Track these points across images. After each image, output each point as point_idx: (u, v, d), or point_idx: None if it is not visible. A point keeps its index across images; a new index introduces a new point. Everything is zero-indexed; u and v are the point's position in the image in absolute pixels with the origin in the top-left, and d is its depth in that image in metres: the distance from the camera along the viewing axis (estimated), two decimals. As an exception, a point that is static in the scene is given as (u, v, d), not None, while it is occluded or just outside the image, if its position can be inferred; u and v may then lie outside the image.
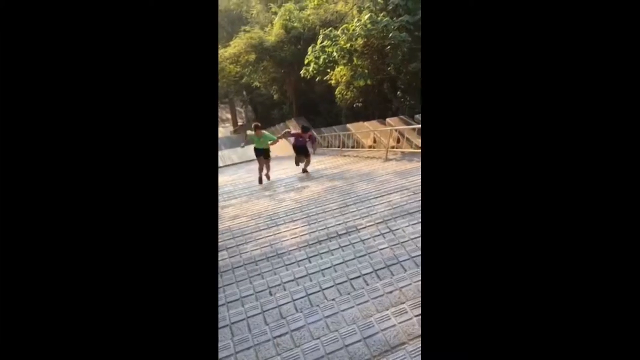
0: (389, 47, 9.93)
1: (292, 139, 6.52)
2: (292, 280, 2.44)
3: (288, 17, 14.98)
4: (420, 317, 1.76)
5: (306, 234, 3.28)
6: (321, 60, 11.00)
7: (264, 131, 6.07)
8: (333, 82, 11.66)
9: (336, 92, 11.86)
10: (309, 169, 6.78)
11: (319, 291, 2.22)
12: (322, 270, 2.53)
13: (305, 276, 2.48)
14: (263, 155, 6.22)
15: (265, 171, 6.46)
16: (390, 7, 10.28)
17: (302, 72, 11.86)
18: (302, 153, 6.55)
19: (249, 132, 6.14)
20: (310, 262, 2.72)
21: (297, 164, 6.87)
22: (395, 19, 9.96)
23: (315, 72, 11.32)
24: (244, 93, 20.32)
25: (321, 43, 10.99)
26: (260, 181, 6.39)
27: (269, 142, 6.07)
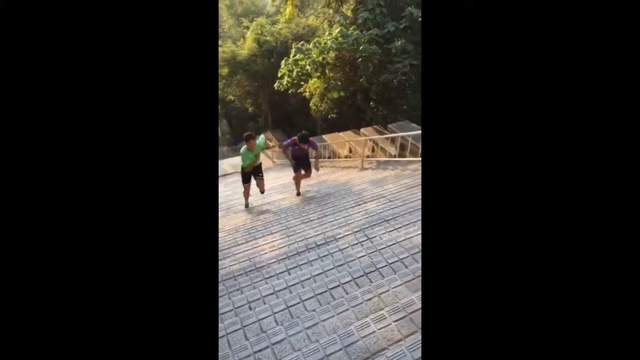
0: (359, 59, 10.18)
1: (290, 149, 5.03)
2: (272, 294, 2.42)
3: (260, 31, 15.11)
4: (398, 322, 1.79)
5: (284, 246, 3.27)
6: (294, 73, 11.13)
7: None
8: (307, 94, 11.80)
9: (310, 104, 11.99)
10: (301, 188, 5.47)
11: (298, 303, 2.22)
12: (302, 281, 2.53)
13: (285, 288, 2.47)
14: (255, 173, 4.96)
15: (253, 191, 5.23)
16: (360, 21, 10.60)
17: (275, 85, 11.94)
18: (297, 164, 5.10)
19: (243, 146, 4.71)
20: (289, 274, 2.71)
21: (298, 187, 5.33)
22: (364, 32, 10.27)
23: (288, 84, 11.42)
24: (218, 107, 20.17)
25: (293, 56, 11.13)
26: (247, 205, 5.15)
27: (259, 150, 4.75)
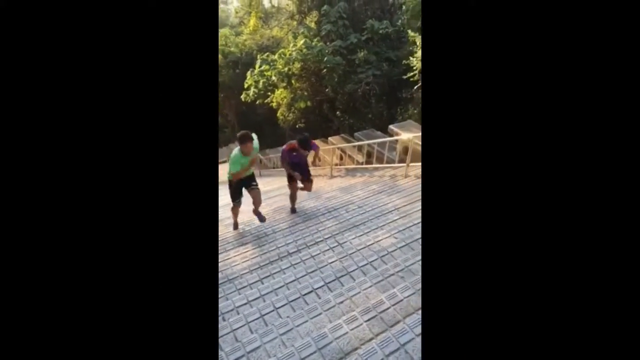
0: (324, 70, 10.42)
1: (287, 157, 4.06)
2: (245, 304, 2.43)
3: (224, 42, 15.04)
4: (369, 322, 1.87)
5: (257, 256, 3.28)
6: (260, 83, 11.18)
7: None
8: (274, 104, 11.86)
9: (278, 114, 12.06)
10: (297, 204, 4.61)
11: (272, 310, 2.24)
12: (275, 289, 2.56)
13: (258, 297, 2.48)
14: (247, 183, 3.81)
15: (244, 210, 4.05)
16: (323, 33, 10.88)
17: (242, 96, 11.91)
18: (302, 174, 4.16)
19: (235, 149, 3.51)
20: (262, 283, 2.73)
21: (294, 202, 4.45)
22: (328, 43, 10.56)
23: (255, 95, 11.45)
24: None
25: (259, 67, 11.20)
26: (236, 226, 4.20)
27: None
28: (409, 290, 2.08)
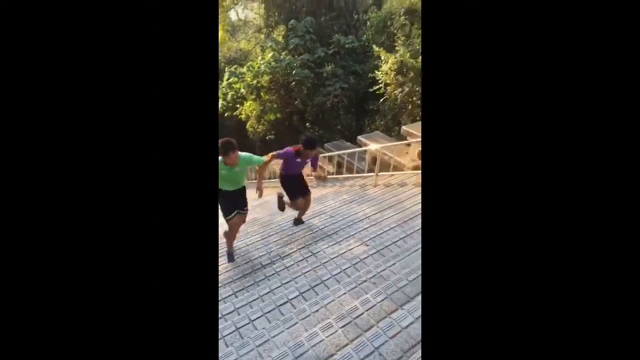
0: (293, 83, 10.56)
1: (281, 163, 3.51)
2: (219, 318, 2.40)
3: (191, 55, 14.80)
4: (344, 328, 1.92)
5: (230, 270, 3.24)
6: (229, 96, 11.13)
7: (241, 152, 2.93)
8: (243, 116, 11.81)
9: (247, 126, 12.00)
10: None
11: (248, 323, 2.24)
12: (250, 302, 2.55)
13: (233, 311, 2.46)
14: (238, 201, 3.15)
15: (234, 240, 3.43)
16: (291, 46, 11.06)
17: (210, 108, 11.74)
18: (294, 188, 3.60)
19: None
20: (236, 297, 2.71)
21: (282, 207, 3.97)
22: (296, 57, 10.74)
23: (224, 107, 11.36)
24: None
25: (227, 79, 11.16)
26: (232, 257, 3.37)
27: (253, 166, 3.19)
28: (381, 296, 2.15)
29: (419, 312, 1.95)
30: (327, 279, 2.63)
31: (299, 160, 3.35)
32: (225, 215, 3.13)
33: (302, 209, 3.84)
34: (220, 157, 2.78)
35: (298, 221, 4.04)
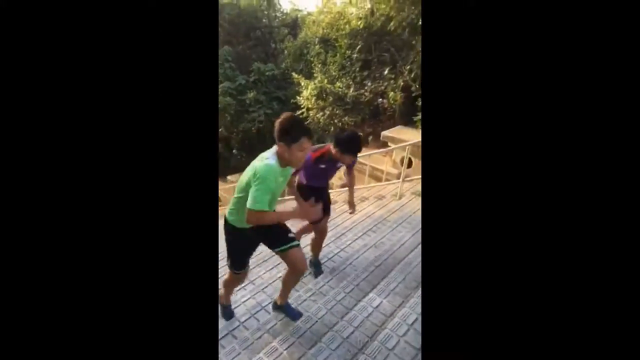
0: (216, 111, 10.41)
1: (301, 175, 2.42)
2: None
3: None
4: (288, 349, 1.95)
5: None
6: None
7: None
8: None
9: (169, 157, 11.41)
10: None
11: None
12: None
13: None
14: (281, 240, 1.93)
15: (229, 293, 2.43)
16: (211, 75, 10.95)
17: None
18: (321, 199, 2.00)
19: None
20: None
21: (318, 249, 2.81)
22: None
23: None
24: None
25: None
26: (230, 314, 2.47)
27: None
28: (322, 311, 2.23)
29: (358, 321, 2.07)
30: (267, 304, 2.63)
31: (323, 166, 2.31)
32: (234, 265, 2.08)
33: (315, 242, 2.73)
34: (275, 156, 1.71)
35: (316, 265, 2.91)
